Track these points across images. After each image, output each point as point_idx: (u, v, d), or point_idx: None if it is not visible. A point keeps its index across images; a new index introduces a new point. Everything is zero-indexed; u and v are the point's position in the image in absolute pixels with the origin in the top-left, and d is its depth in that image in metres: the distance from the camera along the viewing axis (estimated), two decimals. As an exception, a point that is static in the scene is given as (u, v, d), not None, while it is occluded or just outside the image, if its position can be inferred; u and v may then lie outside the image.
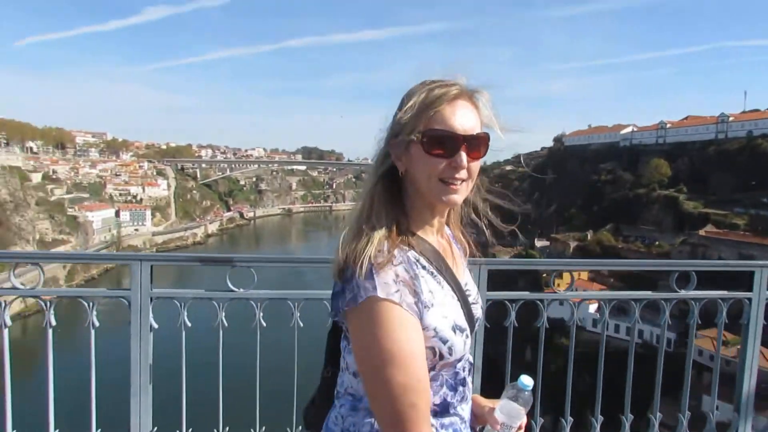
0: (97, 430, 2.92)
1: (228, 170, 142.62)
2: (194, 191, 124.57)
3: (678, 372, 3.47)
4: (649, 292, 3.28)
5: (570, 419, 3.29)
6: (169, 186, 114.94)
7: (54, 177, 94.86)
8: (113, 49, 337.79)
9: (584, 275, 32.38)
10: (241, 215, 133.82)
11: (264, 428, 3.01)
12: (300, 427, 2.91)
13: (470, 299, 1.41)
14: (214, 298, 2.87)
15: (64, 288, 2.87)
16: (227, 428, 3.04)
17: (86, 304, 2.77)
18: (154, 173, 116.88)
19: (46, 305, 2.76)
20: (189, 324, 2.89)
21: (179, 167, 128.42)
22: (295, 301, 2.89)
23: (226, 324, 2.89)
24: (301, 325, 2.93)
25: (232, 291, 2.84)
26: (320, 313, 2.59)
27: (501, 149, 1.42)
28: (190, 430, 3.01)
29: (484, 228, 1.52)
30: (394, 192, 1.33)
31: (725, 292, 3.35)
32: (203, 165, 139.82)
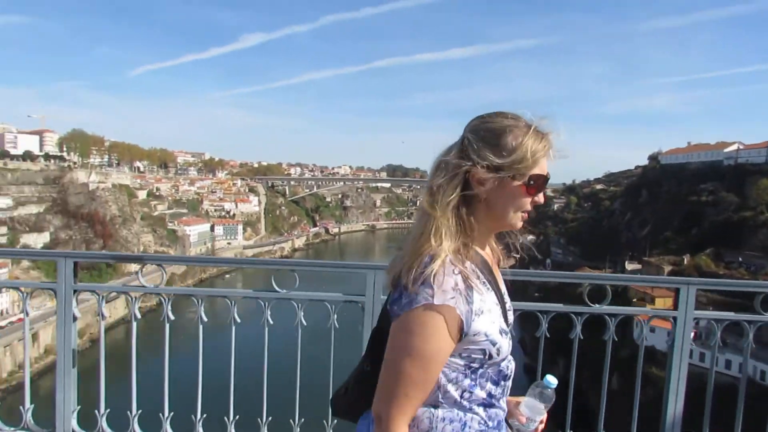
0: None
1: (315, 187, 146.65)
2: (283, 207, 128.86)
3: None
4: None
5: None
6: (259, 202, 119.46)
7: (157, 194, 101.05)
8: (212, 75, 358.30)
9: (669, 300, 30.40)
10: (327, 231, 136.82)
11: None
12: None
13: (507, 305, 1.58)
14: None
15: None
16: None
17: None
18: (246, 190, 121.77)
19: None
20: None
21: (270, 184, 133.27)
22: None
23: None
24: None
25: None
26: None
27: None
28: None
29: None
30: (464, 214, 1.46)
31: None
32: (292, 182, 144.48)
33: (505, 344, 1.47)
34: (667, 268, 53.12)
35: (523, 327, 3.34)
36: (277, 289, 3.18)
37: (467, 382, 1.46)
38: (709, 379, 3.27)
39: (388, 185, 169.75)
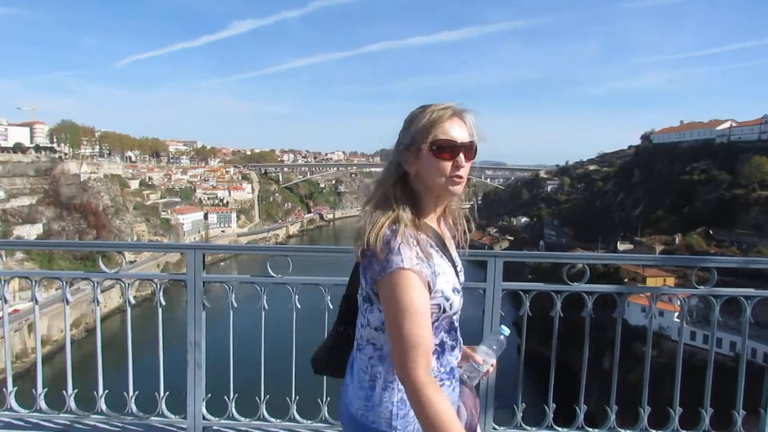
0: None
1: (308, 173, 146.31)
2: (276, 194, 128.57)
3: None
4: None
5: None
6: (253, 189, 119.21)
7: (150, 183, 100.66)
8: (203, 62, 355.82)
9: (670, 280, 30.68)
10: (321, 217, 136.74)
11: (298, 397, 3.48)
12: (329, 398, 3.41)
13: (458, 268, 1.83)
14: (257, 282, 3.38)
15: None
16: (267, 396, 3.49)
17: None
18: (240, 178, 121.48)
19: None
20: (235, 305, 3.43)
21: (263, 171, 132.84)
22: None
23: (267, 307, 3.39)
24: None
25: (272, 276, 3.33)
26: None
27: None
28: (236, 395, 3.49)
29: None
30: (406, 190, 1.73)
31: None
32: (285, 169, 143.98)
33: (457, 300, 1.73)
34: (659, 248, 53.37)
35: (517, 308, 3.42)
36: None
37: None
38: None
39: (381, 170, 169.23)
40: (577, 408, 3.40)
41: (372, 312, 1.73)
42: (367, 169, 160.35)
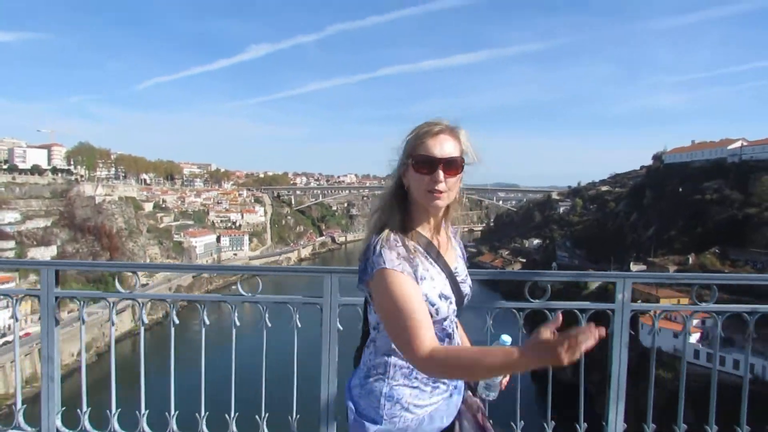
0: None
1: (321, 196, 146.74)
2: (289, 217, 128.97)
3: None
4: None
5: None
6: (265, 212, 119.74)
7: (163, 206, 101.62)
8: (220, 86, 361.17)
9: (684, 300, 30.14)
10: (333, 240, 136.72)
11: (267, 414, 3.49)
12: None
13: (458, 278, 1.91)
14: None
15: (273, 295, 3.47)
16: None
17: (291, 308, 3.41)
18: (252, 201, 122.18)
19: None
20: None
21: (275, 194, 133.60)
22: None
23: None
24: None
25: (242, 295, 3.41)
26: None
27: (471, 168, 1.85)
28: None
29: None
30: (402, 201, 1.85)
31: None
32: (298, 192, 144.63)
33: (444, 306, 1.80)
34: (673, 268, 52.70)
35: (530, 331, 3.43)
36: (242, 293, 3.40)
37: None
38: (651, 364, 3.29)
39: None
40: (577, 426, 3.39)
41: (370, 313, 1.93)
42: (379, 192, 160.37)
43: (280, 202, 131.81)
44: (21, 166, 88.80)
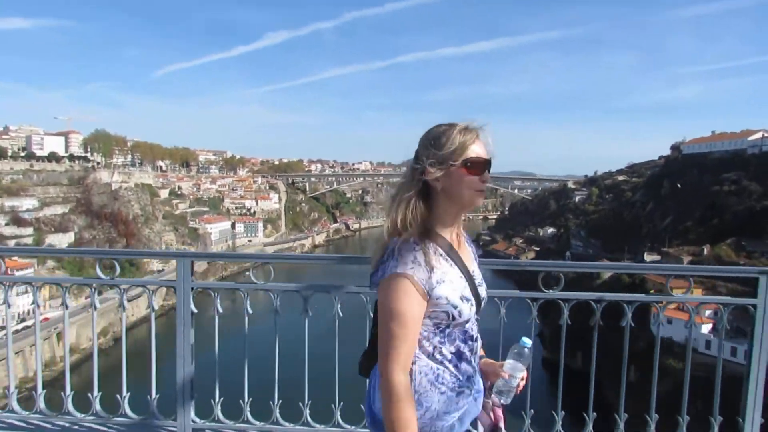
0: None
1: (335, 183, 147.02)
2: (303, 204, 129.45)
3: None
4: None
5: None
6: (280, 199, 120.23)
7: (179, 192, 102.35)
8: (237, 73, 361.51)
9: (697, 291, 29.96)
10: (347, 227, 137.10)
11: (280, 401, 3.59)
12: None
13: (476, 281, 1.92)
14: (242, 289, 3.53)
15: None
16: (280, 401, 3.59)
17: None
18: (267, 187, 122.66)
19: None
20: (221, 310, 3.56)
21: (290, 181, 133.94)
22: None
23: (251, 311, 3.56)
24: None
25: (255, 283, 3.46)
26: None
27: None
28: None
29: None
30: (422, 203, 1.83)
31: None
32: (312, 179, 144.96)
33: (466, 309, 1.82)
34: (687, 259, 52.03)
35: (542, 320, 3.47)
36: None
37: (437, 339, 1.83)
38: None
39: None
40: (585, 416, 3.42)
41: None
42: (394, 180, 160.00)
43: (294, 189, 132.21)
44: (38, 153, 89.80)
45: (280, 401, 3.58)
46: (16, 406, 3.68)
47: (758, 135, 69.98)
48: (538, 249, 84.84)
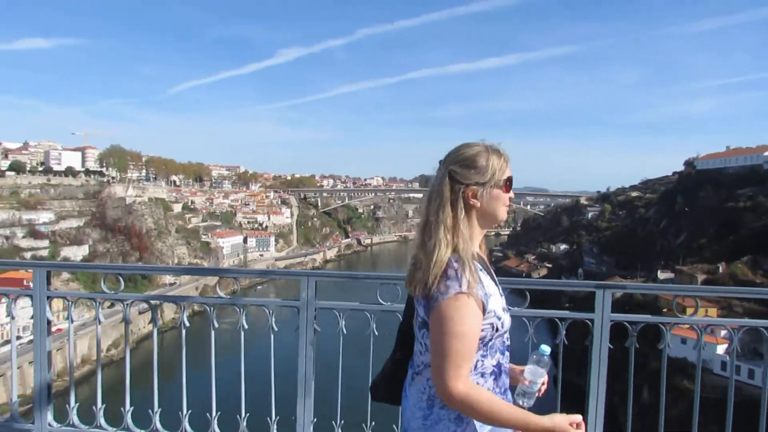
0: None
1: (347, 199, 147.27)
2: (315, 219, 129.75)
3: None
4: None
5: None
6: (292, 214, 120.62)
7: (192, 207, 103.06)
8: (249, 90, 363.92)
9: (712, 311, 29.60)
10: (359, 242, 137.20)
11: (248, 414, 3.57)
12: (342, 422, 3.55)
13: (499, 290, 1.95)
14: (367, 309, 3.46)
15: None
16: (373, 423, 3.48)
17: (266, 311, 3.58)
18: (279, 202, 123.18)
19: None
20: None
21: (302, 196, 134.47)
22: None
23: (377, 333, 3.45)
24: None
25: (381, 304, 3.39)
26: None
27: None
28: (343, 422, 3.58)
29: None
30: (460, 222, 1.86)
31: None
32: (324, 194, 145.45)
33: (507, 319, 1.90)
34: (701, 277, 51.38)
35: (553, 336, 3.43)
36: (222, 295, 3.51)
37: (480, 353, 1.85)
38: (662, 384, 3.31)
39: (420, 196, 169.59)
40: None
41: (426, 337, 1.88)
42: (406, 195, 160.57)
43: (306, 204, 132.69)
44: (56, 168, 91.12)
45: (249, 415, 3.58)
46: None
47: (774, 150, 69.15)
48: (550, 266, 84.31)
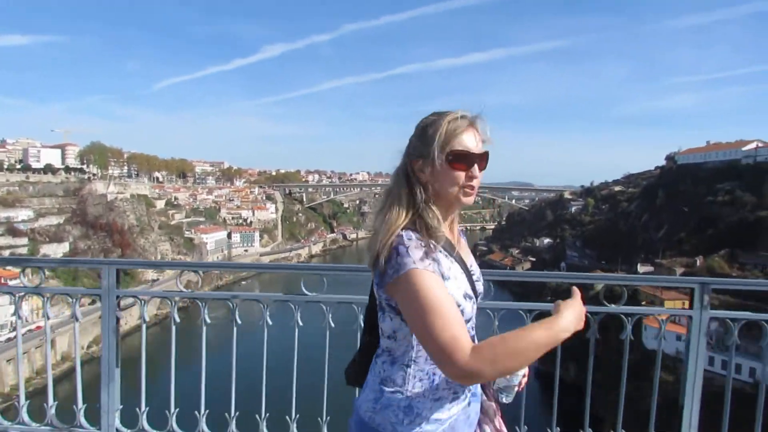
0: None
1: (332, 194, 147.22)
2: (300, 214, 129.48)
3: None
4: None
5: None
6: (276, 209, 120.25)
7: (175, 203, 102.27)
8: (234, 86, 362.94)
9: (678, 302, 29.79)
10: (344, 236, 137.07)
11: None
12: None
13: (474, 277, 1.81)
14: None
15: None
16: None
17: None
18: (264, 198, 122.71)
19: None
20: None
21: (287, 192, 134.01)
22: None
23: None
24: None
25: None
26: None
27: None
28: (268, 414, 3.49)
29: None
30: (416, 197, 1.71)
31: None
32: (309, 189, 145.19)
33: (469, 307, 1.72)
34: (680, 270, 51.99)
35: None
36: (182, 289, 3.49)
37: None
38: (728, 382, 3.26)
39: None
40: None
41: (384, 320, 1.74)
42: (386, 188, 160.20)
43: (291, 200, 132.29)
44: (35, 165, 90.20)
45: (268, 415, 3.51)
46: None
47: (752, 145, 69.96)
48: (533, 260, 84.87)
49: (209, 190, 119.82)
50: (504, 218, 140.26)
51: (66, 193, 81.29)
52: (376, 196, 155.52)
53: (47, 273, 3.60)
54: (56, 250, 69.67)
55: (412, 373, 1.70)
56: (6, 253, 60.61)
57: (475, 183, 1.71)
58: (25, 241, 69.21)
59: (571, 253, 78.89)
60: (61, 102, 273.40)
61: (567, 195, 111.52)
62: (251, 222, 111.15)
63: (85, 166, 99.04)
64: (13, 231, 69.65)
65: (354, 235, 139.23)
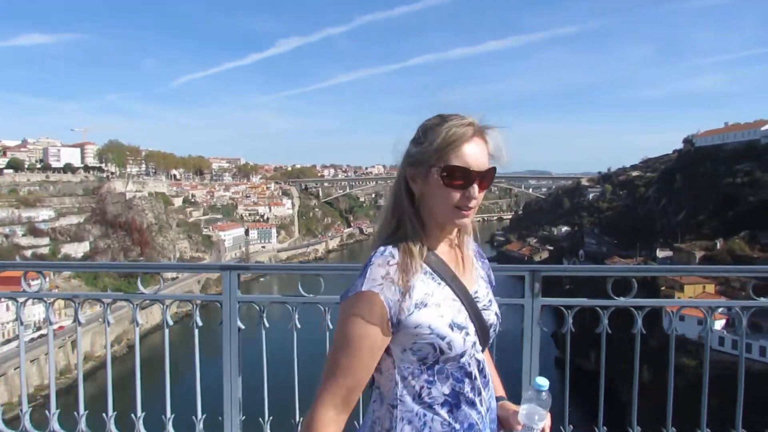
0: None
1: (348, 188, 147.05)
2: (316, 209, 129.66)
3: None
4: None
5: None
6: (293, 205, 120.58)
7: (193, 200, 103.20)
8: (250, 81, 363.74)
9: (710, 287, 29.60)
10: (361, 231, 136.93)
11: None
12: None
13: (480, 305, 1.54)
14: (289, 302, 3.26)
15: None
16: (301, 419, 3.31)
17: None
18: (280, 193, 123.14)
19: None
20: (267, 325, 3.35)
21: (303, 187, 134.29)
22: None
23: (299, 325, 3.28)
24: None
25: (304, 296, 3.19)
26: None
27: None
28: (271, 418, 3.39)
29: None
30: (410, 208, 1.49)
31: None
32: (325, 184, 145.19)
33: (458, 339, 1.42)
34: (699, 254, 51.42)
35: (556, 322, 3.37)
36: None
37: (424, 377, 1.44)
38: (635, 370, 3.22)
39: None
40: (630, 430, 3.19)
41: None
42: (385, 198, 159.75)
43: (307, 195, 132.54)
44: (55, 165, 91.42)
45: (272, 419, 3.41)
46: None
47: (772, 124, 68.70)
48: (551, 248, 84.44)
49: (226, 186, 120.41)
50: (521, 207, 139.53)
51: (85, 192, 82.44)
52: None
53: (68, 273, 3.50)
54: (77, 250, 70.84)
55: (399, 415, 1.45)
56: (28, 253, 61.55)
57: (472, 204, 1.43)
58: (46, 240, 70.40)
59: (589, 240, 78.27)
60: (80, 101, 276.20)
61: (584, 182, 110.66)
62: (268, 218, 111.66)
63: (103, 165, 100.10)
64: (34, 231, 70.78)
65: (371, 229, 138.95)
